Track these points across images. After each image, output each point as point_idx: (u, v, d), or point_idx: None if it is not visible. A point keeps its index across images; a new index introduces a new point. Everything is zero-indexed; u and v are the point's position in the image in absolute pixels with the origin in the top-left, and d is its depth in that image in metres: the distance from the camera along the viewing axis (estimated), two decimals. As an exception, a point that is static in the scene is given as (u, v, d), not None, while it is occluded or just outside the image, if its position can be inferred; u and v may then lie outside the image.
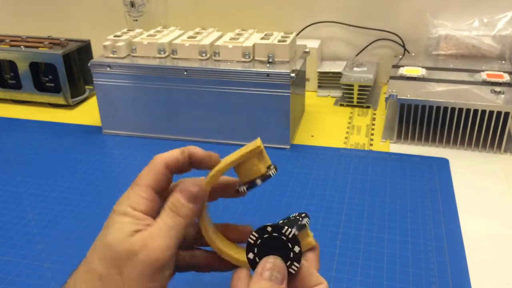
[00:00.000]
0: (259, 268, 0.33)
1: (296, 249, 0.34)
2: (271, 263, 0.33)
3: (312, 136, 0.86)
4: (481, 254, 0.56)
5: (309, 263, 0.36)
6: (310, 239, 0.37)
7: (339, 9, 1.05)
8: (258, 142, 0.37)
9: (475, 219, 0.63)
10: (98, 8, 1.19)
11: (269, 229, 0.35)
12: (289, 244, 0.34)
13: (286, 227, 0.34)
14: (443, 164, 0.75)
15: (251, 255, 0.35)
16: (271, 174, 0.37)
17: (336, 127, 0.89)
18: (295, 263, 0.34)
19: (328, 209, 0.65)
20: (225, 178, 0.39)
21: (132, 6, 1.04)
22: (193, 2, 1.12)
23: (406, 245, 0.58)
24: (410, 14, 1.02)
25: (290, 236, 0.34)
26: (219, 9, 1.11)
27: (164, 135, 0.85)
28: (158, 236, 0.33)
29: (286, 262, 0.34)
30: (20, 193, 0.70)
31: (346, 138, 0.85)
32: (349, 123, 0.91)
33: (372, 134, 0.86)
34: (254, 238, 0.35)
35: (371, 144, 0.82)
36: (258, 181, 0.37)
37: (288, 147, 0.80)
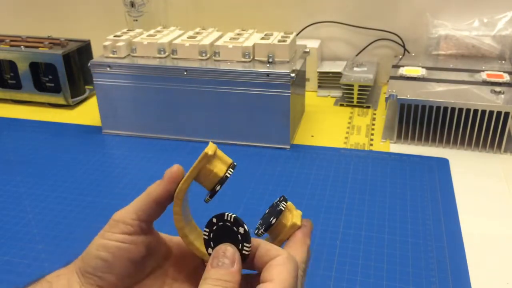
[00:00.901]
0: (210, 259, 0.34)
1: (241, 230, 0.35)
2: (219, 251, 0.35)
3: (312, 136, 0.86)
4: (481, 254, 0.56)
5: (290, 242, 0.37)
6: (294, 220, 0.37)
7: (339, 9, 1.05)
8: (207, 148, 0.37)
9: (475, 219, 0.63)
10: (98, 8, 1.19)
11: (214, 220, 0.36)
12: (234, 228, 0.35)
13: (227, 213, 0.35)
14: (443, 164, 0.75)
15: (210, 250, 0.36)
16: (227, 176, 0.37)
17: (336, 127, 0.89)
18: (245, 244, 0.35)
19: (328, 209, 0.65)
20: None
21: (132, 6, 1.04)
22: (193, 2, 1.12)
23: (406, 245, 0.58)
24: (410, 14, 1.02)
25: (231, 219, 0.35)
26: (219, 9, 1.11)
27: (164, 135, 0.85)
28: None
29: (237, 246, 0.35)
30: (20, 193, 0.70)
31: (346, 138, 0.85)
32: (349, 123, 0.91)
33: (372, 134, 0.86)
34: (207, 233, 0.36)
35: (371, 144, 0.82)
36: (217, 187, 0.37)
37: (288, 147, 0.80)
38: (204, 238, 0.36)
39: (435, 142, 0.80)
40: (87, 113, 0.97)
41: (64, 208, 0.66)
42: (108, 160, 0.79)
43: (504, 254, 0.57)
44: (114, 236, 0.38)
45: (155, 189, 0.39)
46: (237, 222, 0.35)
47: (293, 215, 0.38)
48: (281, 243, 0.37)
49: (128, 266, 0.39)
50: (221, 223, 0.35)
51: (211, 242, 0.36)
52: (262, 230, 0.37)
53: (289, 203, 0.38)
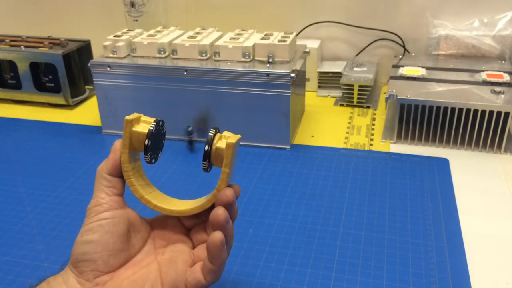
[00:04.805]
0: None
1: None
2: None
3: (312, 136, 0.86)
4: (481, 254, 0.56)
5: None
6: (228, 140, 0.41)
7: (339, 9, 1.05)
8: (130, 116, 0.42)
9: (475, 219, 0.63)
10: (98, 8, 1.19)
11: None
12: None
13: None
14: (443, 164, 0.75)
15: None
16: (150, 128, 0.42)
17: (336, 127, 0.89)
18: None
19: (328, 209, 0.65)
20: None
21: (132, 6, 1.04)
22: (193, 2, 1.12)
23: (406, 245, 0.58)
24: (410, 14, 1.02)
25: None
26: (219, 9, 1.11)
27: (164, 135, 0.85)
28: None
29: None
30: (20, 193, 0.70)
31: (346, 138, 0.85)
32: (349, 123, 0.91)
33: (372, 134, 0.86)
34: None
35: (371, 144, 0.82)
36: (146, 142, 0.41)
37: (288, 147, 0.80)
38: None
39: (435, 142, 0.80)
40: (87, 113, 0.97)
41: (64, 208, 0.66)
42: (108, 160, 0.79)
43: (504, 254, 0.57)
44: (94, 219, 0.41)
45: (105, 165, 0.43)
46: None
47: (228, 137, 0.42)
48: (228, 166, 0.41)
49: (115, 240, 0.41)
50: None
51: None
52: (204, 162, 0.41)
53: (225, 132, 0.43)
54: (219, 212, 0.40)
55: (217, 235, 0.39)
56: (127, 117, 0.41)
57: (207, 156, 0.41)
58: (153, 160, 0.43)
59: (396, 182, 0.70)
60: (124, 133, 0.41)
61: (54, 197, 0.69)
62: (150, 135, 0.41)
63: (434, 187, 0.69)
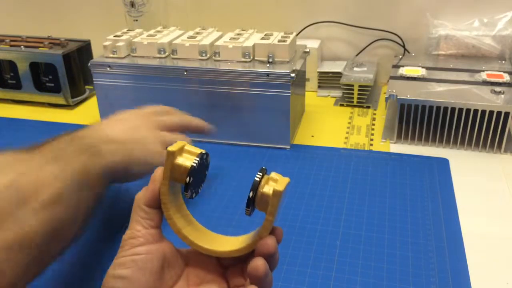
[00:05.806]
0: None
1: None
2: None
3: (312, 136, 0.86)
4: (481, 254, 0.56)
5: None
6: (276, 187, 0.38)
7: (339, 9, 1.05)
8: (171, 146, 0.39)
9: (475, 219, 0.63)
10: (98, 8, 1.19)
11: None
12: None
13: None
14: (443, 164, 0.75)
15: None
16: (193, 165, 0.38)
17: (336, 127, 0.89)
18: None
19: (328, 209, 0.65)
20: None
21: (132, 6, 1.04)
22: (193, 2, 1.12)
23: (406, 245, 0.58)
24: (410, 14, 1.02)
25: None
26: (219, 9, 1.11)
27: (164, 135, 0.85)
28: None
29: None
30: (20, 193, 0.69)
31: (346, 138, 0.85)
32: (349, 123, 0.91)
33: (372, 134, 0.86)
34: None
35: (371, 144, 0.82)
36: (187, 179, 0.39)
37: (288, 147, 0.80)
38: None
39: (435, 142, 0.80)
40: (87, 113, 0.97)
41: (64, 208, 0.66)
42: (108, 160, 0.78)
43: (504, 254, 0.57)
44: (128, 252, 0.38)
45: (143, 195, 0.40)
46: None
47: (276, 180, 0.38)
48: (273, 215, 0.37)
49: (148, 278, 0.38)
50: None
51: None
52: (247, 208, 0.38)
53: (273, 173, 0.39)
54: (259, 264, 0.37)
55: None
56: (169, 148, 0.38)
57: (251, 202, 0.38)
58: (194, 195, 0.40)
59: (396, 182, 0.70)
60: (165, 165, 0.39)
61: (54, 197, 0.69)
62: (192, 171, 0.38)
63: (434, 187, 0.69)
